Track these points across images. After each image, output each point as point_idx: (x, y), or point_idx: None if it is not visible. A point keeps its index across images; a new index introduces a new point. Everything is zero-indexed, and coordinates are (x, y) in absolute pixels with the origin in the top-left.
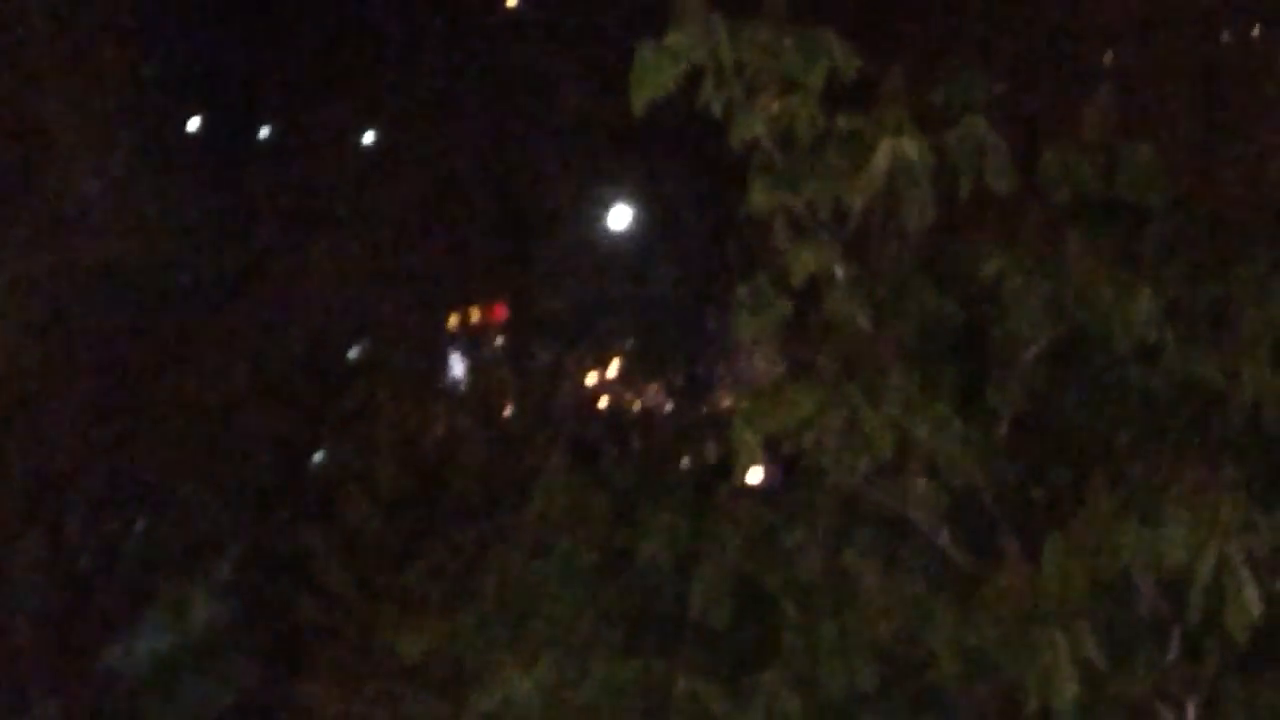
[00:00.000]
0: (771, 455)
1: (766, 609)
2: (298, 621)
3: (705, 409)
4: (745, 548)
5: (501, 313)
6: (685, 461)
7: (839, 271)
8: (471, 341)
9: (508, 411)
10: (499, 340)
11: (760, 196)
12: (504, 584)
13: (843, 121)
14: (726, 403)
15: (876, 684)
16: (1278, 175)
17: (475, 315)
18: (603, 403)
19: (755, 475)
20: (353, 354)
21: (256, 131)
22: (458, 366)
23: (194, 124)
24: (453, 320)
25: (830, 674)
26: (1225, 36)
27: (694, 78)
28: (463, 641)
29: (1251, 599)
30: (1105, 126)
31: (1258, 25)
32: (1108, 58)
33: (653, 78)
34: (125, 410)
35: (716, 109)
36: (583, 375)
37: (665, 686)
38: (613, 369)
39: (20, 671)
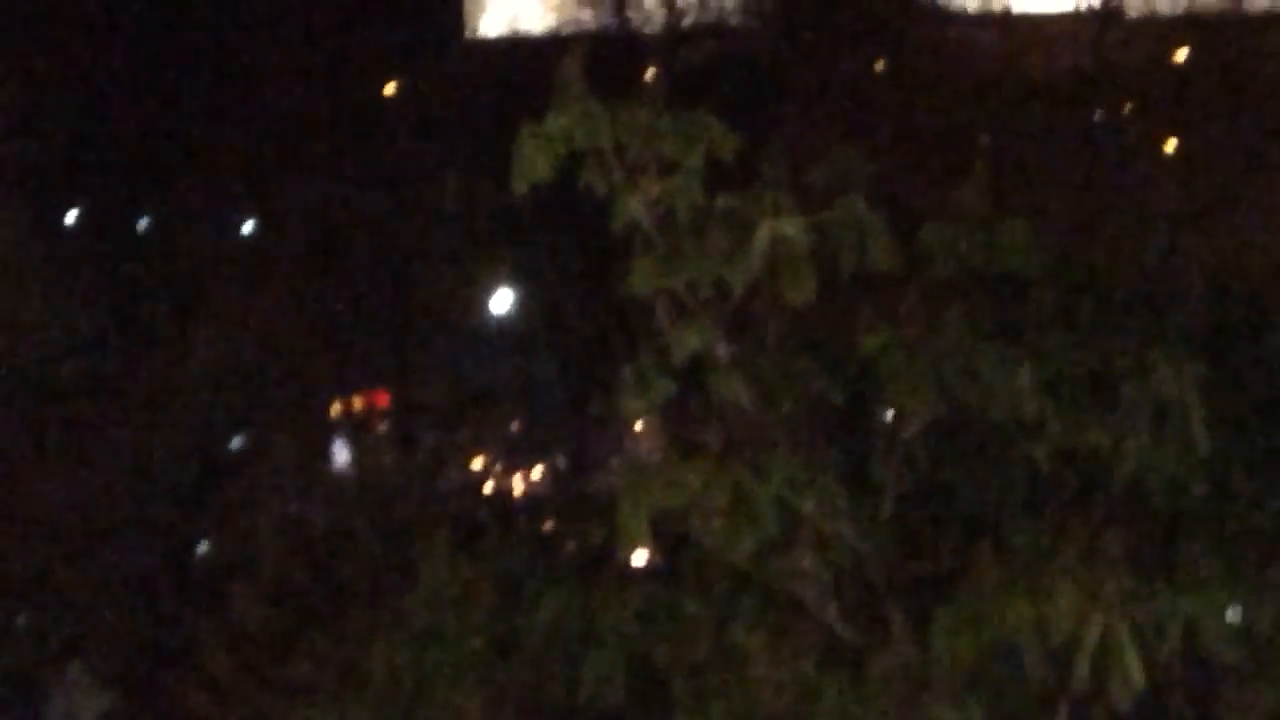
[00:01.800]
0: (658, 534)
1: (657, 689)
2: (185, 712)
3: (591, 489)
4: (634, 627)
5: (384, 399)
6: (571, 542)
7: (721, 351)
8: (355, 428)
9: (393, 496)
10: (382, 426)
11: (642, 277)
12: (392, 670)
13: (723, 202)
14: (612, 483)
15: None
16: (1153, 247)
17: (358, 402)
18: (488, 486)
19: (641, 555)
20: (235, 443)
21: (135, 221)
22: (341, 453)
23: (71, 215)
24: (335, 407)
25: None
26: (1097, 114)
27: (575, 160)
28: None
29: (1136, 668)
30: (982, 201)
31: (1128, 104)
32: (983, 135)
33: (534, 161)
34: (9, 501)
35: (599, 191)
36: (467, 459)
37: None
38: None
39: None
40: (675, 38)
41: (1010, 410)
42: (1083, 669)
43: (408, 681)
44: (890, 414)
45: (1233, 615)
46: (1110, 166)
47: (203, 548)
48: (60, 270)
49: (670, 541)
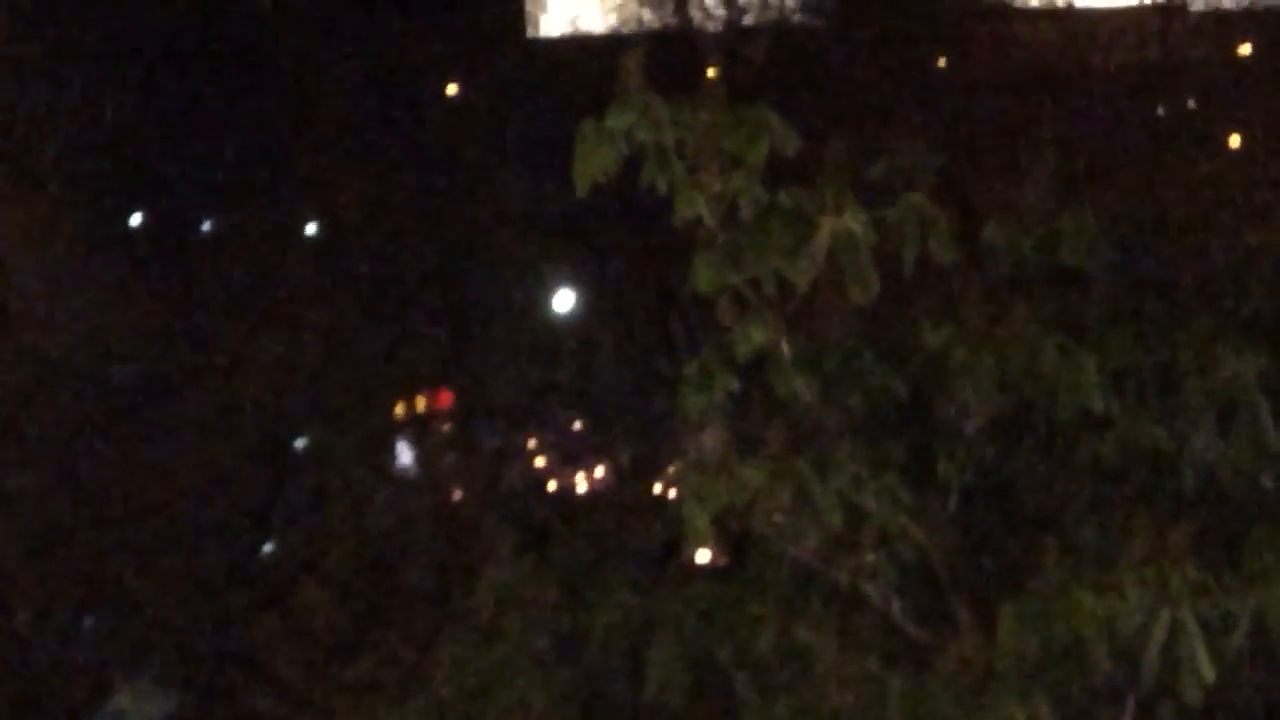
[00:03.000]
0: (721, 532)
1: (721, 687)
2: (251, 713)
3: (653, 488)
4: (698, 625)
5: (447, 399)
6: (635, 541)
7: (784, 347)
8: (418, 428)
9: (456, 496)
10: (445, 426)
11: (704, 274)
12: (457, 669)
13: (785, 198)
14: (674, 481)
15: None
16: (1218, 240)
17: (421, 403)
18: (551, 485)
19: (704, 554)
20: (300, 444)
21: (199, 224)
22: (405, 454)
23: (135, 219)
24: (399, 408)
25: None
26: (1160, 109)
27: (636, 158)
28: None
29: (1205, 664)
30: (1045, 196)
31: (1191, 98)
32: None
33: (595, 158)
34: (73, 505)
35: (660, 188)
36: (530, 458)
37: None
38: (560, 452)
39: None
40: (736, 35)
41: (1075, 406)
42: (1151, 664)
43: (471, 680)
44: (954, 410)
45: None
46: (1174, 161)
47: (268, 548)
48: (124, 272)
49: (733, 539)
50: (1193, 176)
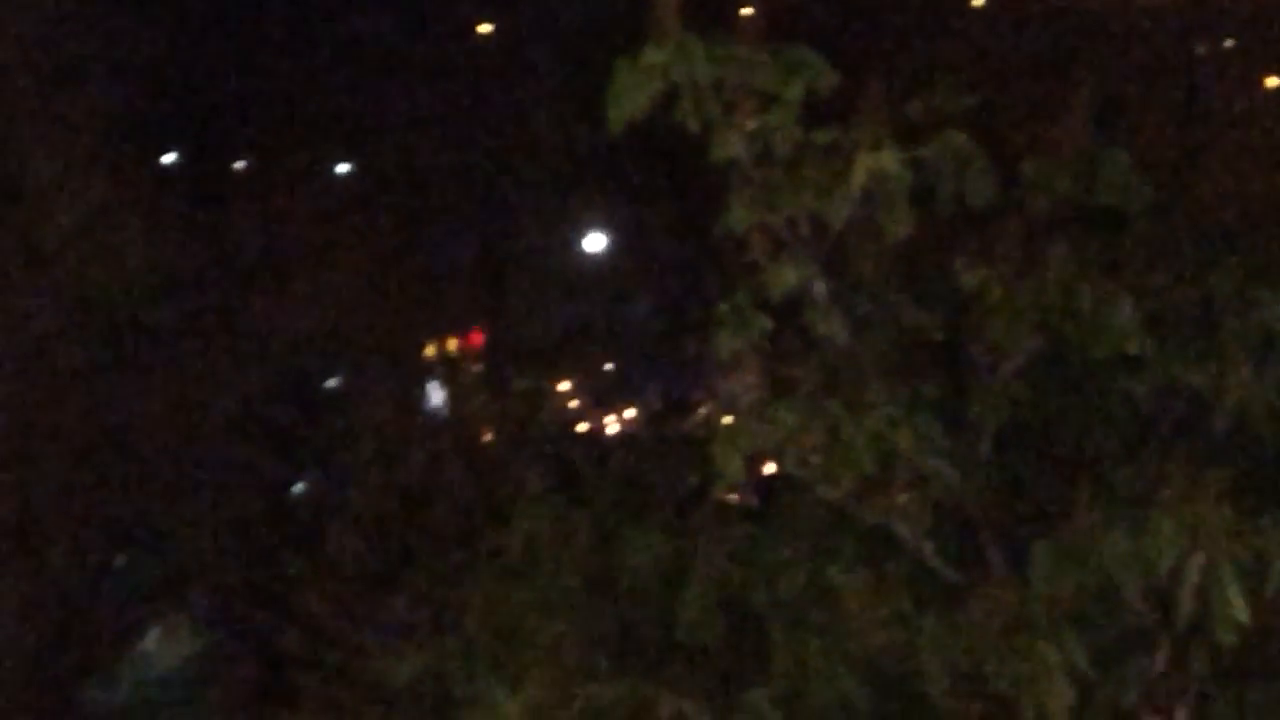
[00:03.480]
0: (752, 473)
1: (752, 627)
2: (281, 652)
3: (685, 429)
4: (729, 566)
5: (478, 340)
6: (666, 482)
7: (818, 287)
8: (449, 369)
9: (487, 437)
10: (477, 367)
11: (739, 213)
12: (488, 608)
13: (820, 136)
14: (706, 422)
15: (865, 699)
16: (1254, 180)
17: (452, 343)
18: (582, 426)
19: (735, 496)
20: (331, 384)
21: (231, 163)
22: (436, 394)
23: (169, 158)
24: (430, 349)
25: (818, 691)
26: (1198, 48)
27: (670, 96)
28: (448, 667)
29: (1239, 605)
30: (1082, 135)
31: (1229, 38)
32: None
33: (630, 95)
34: (105, 444)
35: (695, 127)
36: (561, 399)
37: (652, 707)
38: (590, 393)
39: (3, 705)
40: None
41: (1111, 346)
42: (1185, 606)
43: (502, 620)
44: (988, 350)
45: None
46: (1211, 101)
47: (299, 488)
48: (158, 212)
49: (765, 480)
50: (1230, 116)
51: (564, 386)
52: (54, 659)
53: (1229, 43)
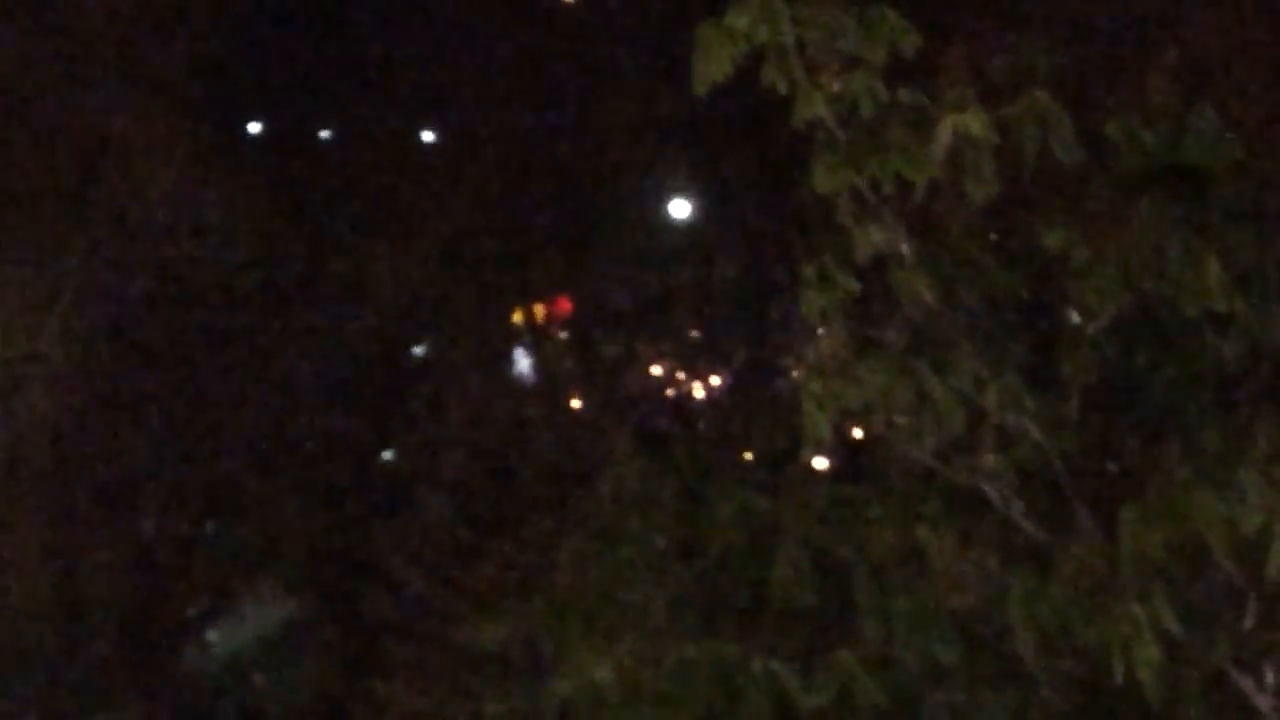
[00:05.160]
0: (840, 435)
1: (841, 588)
2: (371, 618)
3: (772, 392)
4: (817, 527)
5: (565, 306)
6: (754, 444)
7: (904, 248)
8: (536, 335)
9: (575, 402)
10: (563, 334)
11: (824, 175)
12: (577, 572)
13: (905, 97)
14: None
15: (953, 659)
16: None
17: (539, 310)
18: (669, 391)
19: (821, 461)
20: (418, 351)
21: (317, 133)
22: (523, 361)
23: (255, 127)
24: (517, 316)
25: (906, 650)
26: None
27: (754, 59)
28: (538, 630)
29: None
30: (1169, 94)
31: None
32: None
33: (714, 58)
34: (195, 412)
35: (780, 89)
36: (648, 364)
37: (741, 667)
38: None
39: (99, 673)
40: None
41: (1198, 305)
42: (1273, 565)
43: (591, 583)
44: (1076, 310)
45: None
46: None
47: (388, 456)
48: (244, 180)
49: (853, 442)
50: None
51: (650, 351)
52: (147, 625)
53: None
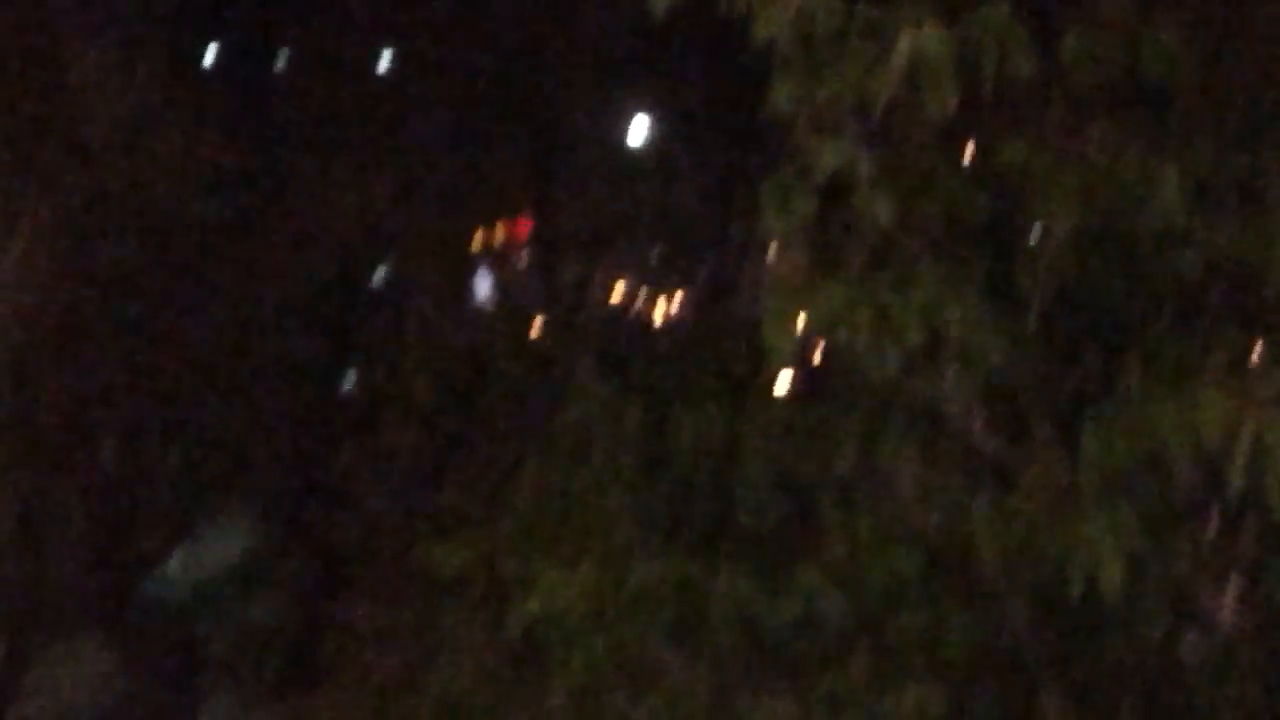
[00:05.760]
0: (801, 354)
1: (804, 506)
2: (336, 543)
3: (733, 312)
4: (780, 446)
5: (525, 228)
6: (716, 364)
7: (863, 166)
8: (497, 258)
9: (536, 325)
10: (524, 256)
11: (782, 94)
12: (540, 494)
13: (862, 13)
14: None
15: (917, 574)
16: None
17: (499, 232)
18: (631, 312)
19: (784, 380)
20: (379, 275)
21: (273, 59)
22: (484, 283)
23: (209, 54)
24: (477, 238)
25: (870, 567)
26: None
27: None
28: (502, 553)
29: None
30: (1126, 8)
31: None
32: None
33: None
34: (154, 341)
35: (737, 7)
36: (610, 286)
37: (706, 586)
38: (638, 278)
39: (64, 602)
40: None
41: (1157, 220)
42: (1235, 476)
43: (555, 504)
44: (1034, 226)
45: None
46: None
47: (349, 379)
48: (200, 109)
49: (814, 361)
50: None
51: (612, 273)
52: (109, 555)
53: None
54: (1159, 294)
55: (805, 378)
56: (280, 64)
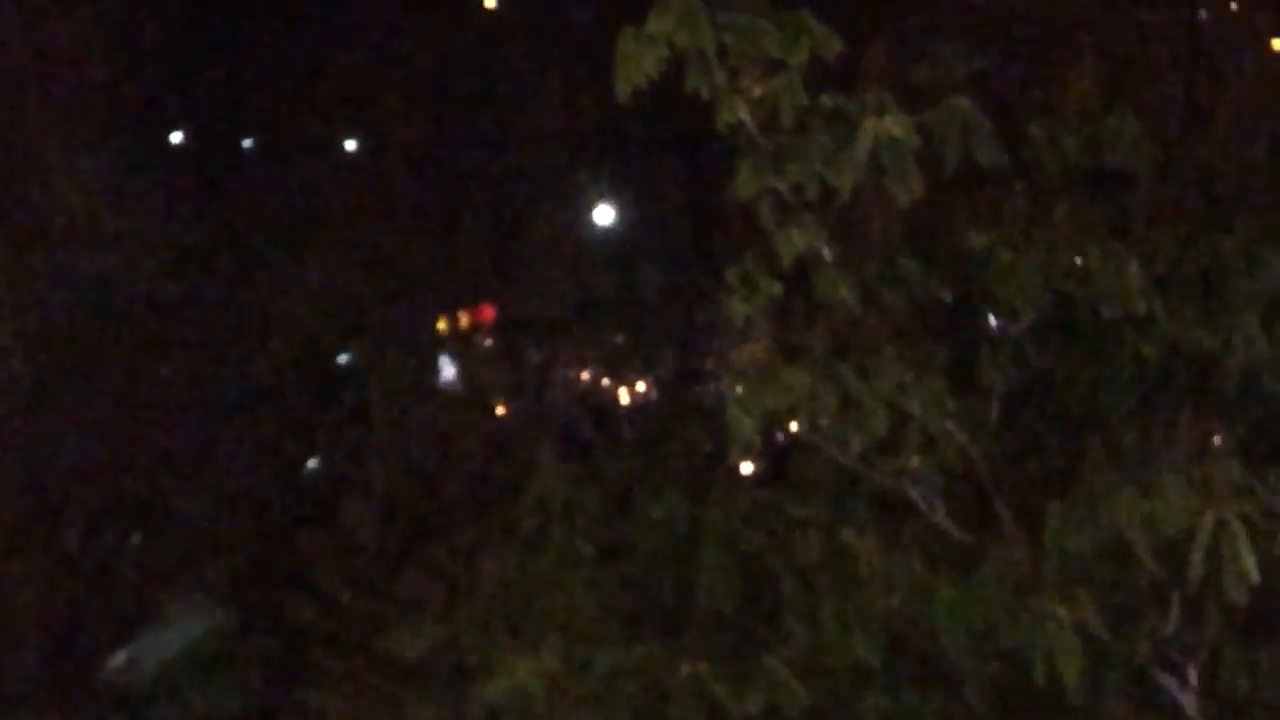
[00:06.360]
0: (764, 440)
1: (767, 591)
2: (298, 627)
3: (697, 397)
4: (743, 531)
5: (489, 313)
6: (679, 449)
7: (827, 252)
8: (461, 343)
9: (500, 410)
10: (488, 341)
11: (747, 179)
12: (502, 580)
13: (827, 101)
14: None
15: (880, 660)
16: (1260, 144)
17: (464, 318)
18: (593, 398)
19: (747, 466)
20: (343, 359)
21: (239, 141)
22: (448, 369)
23: (177, 136)
24: (441, 323)
25: (833, 653)
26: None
27: (676, 64)
28: (465, 638)
29: (1249, 563)
30: (1089, 98)
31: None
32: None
33: (636, 64)
34: (119, 423)
35: (702, 94)
36: (573, 372)
37: (668, 672)
38: (602, 364)
39: (22, 685)
40: None
41: (1119, 307)
42: (1196, 564)
43: (517, 590)
44: (997, 313)
45: None
46: (1216, 63)
47: (312, 464)
48: (166, 189)
49: (777, 446)
50: (1235, 79)
51: (575, 358)
52: (71, 638)
53: (1234, 4)
54: (1121, 381)
55: (768, 463)
56: (245, 147)
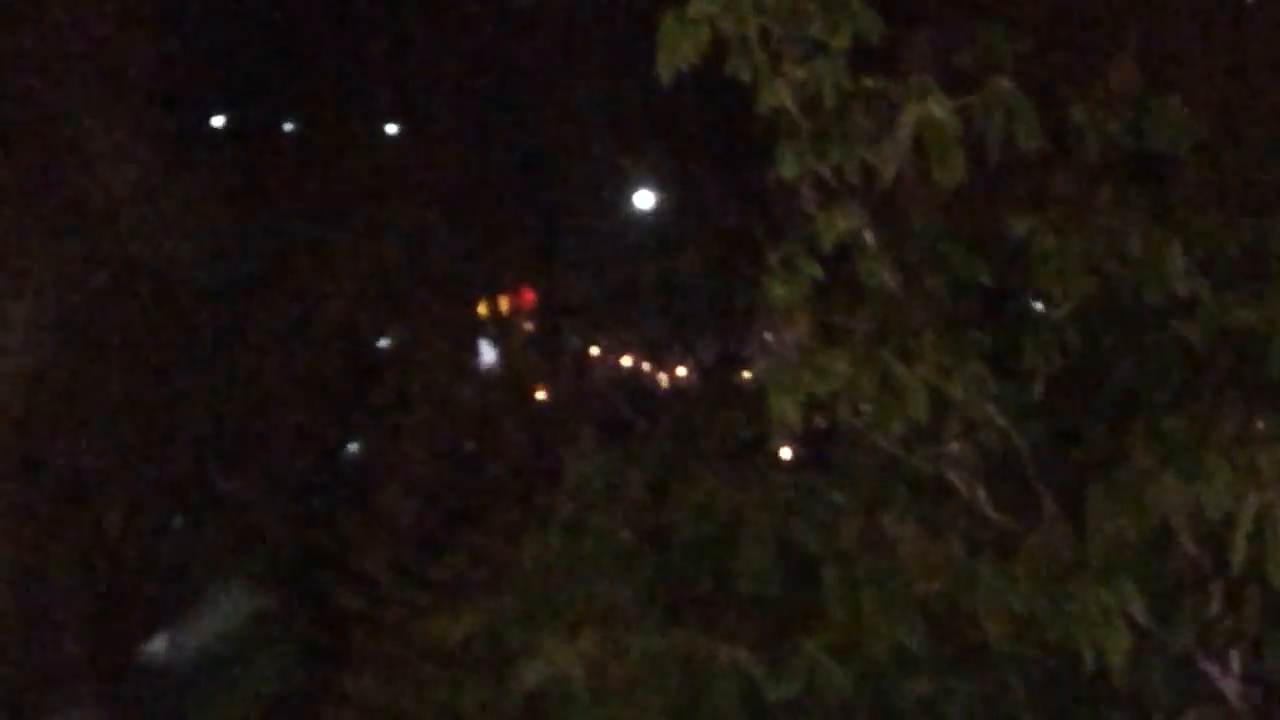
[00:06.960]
0: (805, 424)
1: (807, 577)
2: (338, 612)
3: (737, 381)
4: (784, 517)
5: (530, 298)
6: (719, 434)
7: (868, 236)
8: (501, 327)
9: (540, 395)
10: (528, 325)
11: (788, 163)
12: (542, 564)
13: (869, 84)
14: (758, 374)
15: (920, 646)
16: None
17: (504, 302)
18: (634, 382)
19: (786, 451)
20: (384, 344)
21: (281, 125)
22: (489, 354)
23: (219, 120)
24: (482, 308)
25: (872, 639)
26: None
27: (718, 48)
28: (504, 623)
29: None
30: (1132, 80)
31: None
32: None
33: (678, 48)
34: (160, 408)
35: (744, 77)
36: (613, 356)
37: (708, 658)
38: (642, 348)
39: (64, 670)
40: None
41: (1162, 291)
42: (1239, 550)
43: (557, 575)
44: (1040, 297)
45: None
46: (1262, 45)
47: (353, 448)
48: (208, 176)
49: (818, 431)
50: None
51: (615, 343)
52: (112, 622)
53: None
54: (1164, 365)
55: (809, 448)
56: (287, 131)
